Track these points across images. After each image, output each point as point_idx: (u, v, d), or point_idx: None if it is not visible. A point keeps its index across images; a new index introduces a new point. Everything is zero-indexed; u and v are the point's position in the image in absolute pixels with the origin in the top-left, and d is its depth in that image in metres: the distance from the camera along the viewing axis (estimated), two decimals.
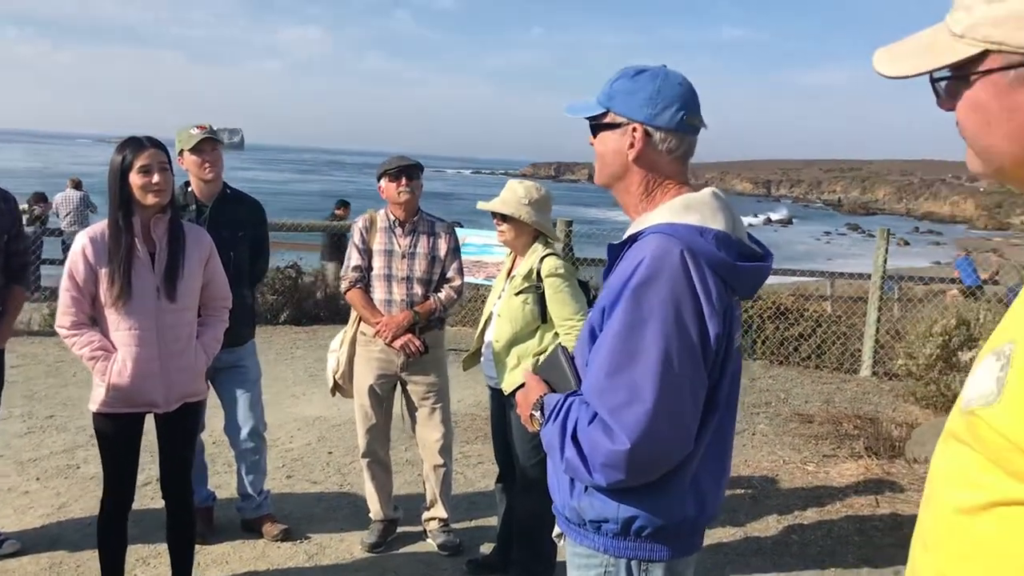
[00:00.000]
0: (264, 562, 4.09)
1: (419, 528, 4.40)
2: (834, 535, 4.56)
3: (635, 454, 1.65)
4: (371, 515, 4.35)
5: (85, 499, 4.63)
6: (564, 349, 1.96)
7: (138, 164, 3.11)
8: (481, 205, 3.82)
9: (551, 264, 3.61)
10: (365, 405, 4.24)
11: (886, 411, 7.08)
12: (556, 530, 2.03)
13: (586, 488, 1.81)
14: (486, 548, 4.23)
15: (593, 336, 1.81)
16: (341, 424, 6.06)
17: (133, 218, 3.16)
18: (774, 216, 70.40)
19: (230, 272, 3.64)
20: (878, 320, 8.78)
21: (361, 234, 4.21)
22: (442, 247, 4.21)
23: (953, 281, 13.63)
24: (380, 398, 4.24)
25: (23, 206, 13.33)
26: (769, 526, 4.67)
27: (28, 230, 5.58)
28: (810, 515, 4.82)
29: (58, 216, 14.63)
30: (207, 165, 4.08)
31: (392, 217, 4.19)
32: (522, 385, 2.05)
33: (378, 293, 4.17)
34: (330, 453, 5.60)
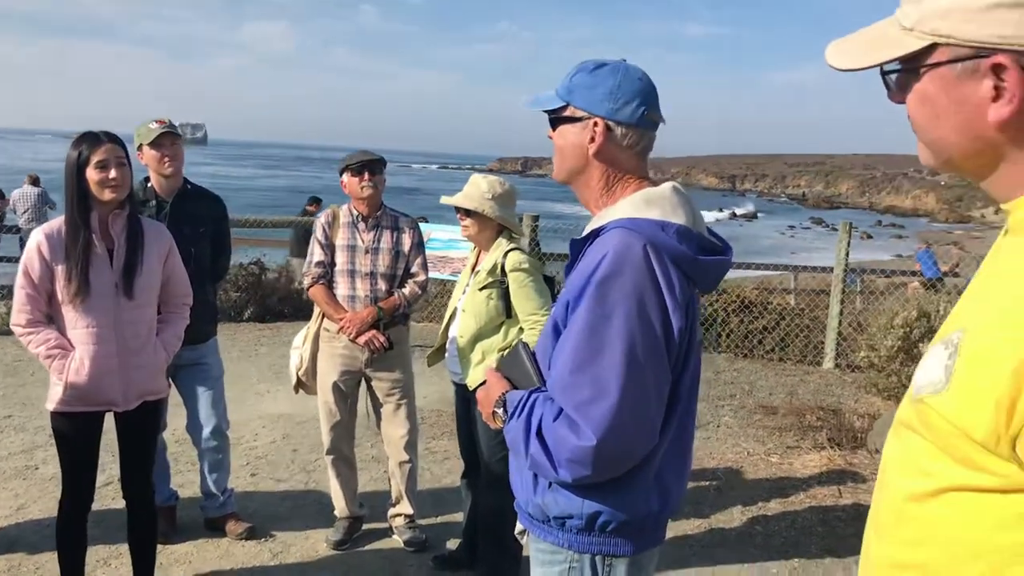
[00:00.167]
0: (228, 561, 4.06)
1: (385, 525, 4.38)
2: (798, 526, 4.61)
3: (601, 449, 1.65)
4: (336, 512, 4.33)
5: (44, 500, 4.56)
6: (525, 345, 1.95)
7: (95, 159, 3.06)
8: (444, 200, 3.81)
9: (515, 259, 3.60)
10: (329, 402, 4.21)
11: (848, 402, 7.17)
12: (518, 527, 2.03)
13: (550, 484, 1.81)
14: (452, 544, 4.23)
15: (556, 331, 1.81)
16: (306, 421, 6.02)
17: (90, 214, 3.11)
18: (739, 211, 70.96)
19: (191, 269, 3.60)
20: (840, 313, 8.89)
21: (324, 229, 4.18)
22: (406, 242, 4.19)
23: (914, 274, 13.84)
24: (344, 395, 4.22)
25: None
26: (733, 517, 4.71)
27: None
28: (774, 506, 4.87)
29: (15, 213, 14.39)
30: (166, 160, 4.03)
31: (355, 212, 4.17)
32: (484, 382, 2.03)
33: (341, 289, 4.15)
34: (295, 451, 5.56)
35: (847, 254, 9.01)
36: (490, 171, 22.11)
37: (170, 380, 3.90)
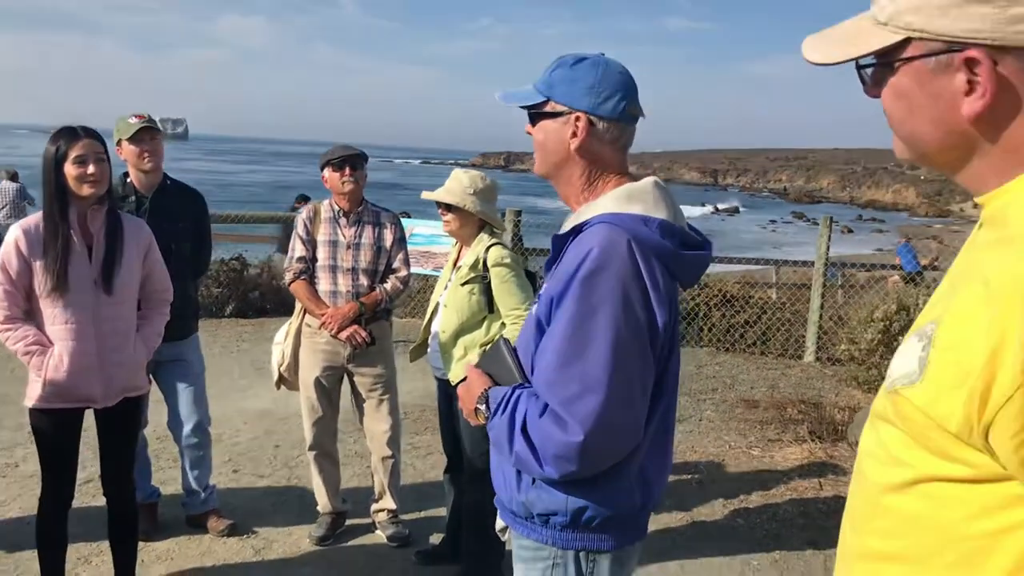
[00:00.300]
0: (210, 558, 4.04)
1: (368, 520, 4.37)
2: (779, 518, 4.64)
3: (588, 445, 1.65)
4: (319, 508, 4.32)
5: (24, 498, 4.52)
6: (507, 341, 1.94)
7: (73, 154, 3.04)
8: (425, 195, 3.80)
9: (497, 254, 3.60)
10: (311, 398, 4.20)
11: (829, 396, 7.22)
12: (499, 523, 2.02)
13: (533, 481, 1.81)
14: (435, 539, 4.22)
15: (539, 326, 1.80)
16: (288, 417, 6.00)
17: (69, 209, 3.09)
18: (721, 205, 71.24)
19: (171, 264, 3.58)
20: (821, 307, 8.95)
21: (305, 225, 4.16)
22: (388, 237, 4.18)
23: (894, 267, 13.94)
24: (326, 390, 4.21)
25: None
26: (716, 511, 4.73)
27: None
28: (756, 499, 4.90)
29: None
30: (146, 155, 4.00)
31: (336, 207, 4.15)
32: (465, 379, 2.02)
33: (323, 284, 4.13)
34: (277, 447, 5.55)
35: (828, 248, 9.08)
36: (472, 166, 22.11)
37: (151, 376, 3.88)
